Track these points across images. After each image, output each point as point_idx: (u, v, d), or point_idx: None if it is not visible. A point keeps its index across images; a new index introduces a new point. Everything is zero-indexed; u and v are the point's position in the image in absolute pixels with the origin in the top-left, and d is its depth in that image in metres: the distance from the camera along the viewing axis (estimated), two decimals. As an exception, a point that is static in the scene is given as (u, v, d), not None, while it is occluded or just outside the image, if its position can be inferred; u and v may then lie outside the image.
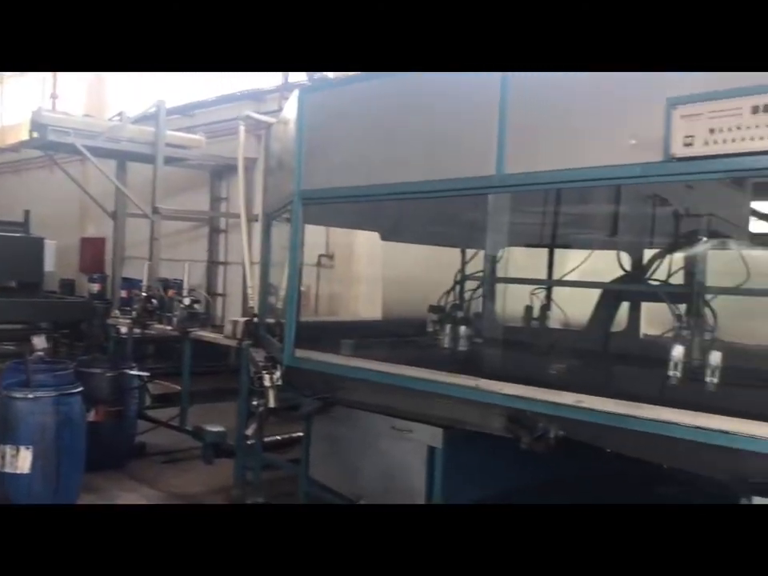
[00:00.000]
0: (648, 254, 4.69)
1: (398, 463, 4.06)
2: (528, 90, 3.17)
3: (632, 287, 4.38)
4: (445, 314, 4.90)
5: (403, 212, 4.76)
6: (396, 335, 5.31)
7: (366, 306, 7.53)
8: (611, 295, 4.37)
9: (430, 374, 3.67)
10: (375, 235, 5.98)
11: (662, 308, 4.68)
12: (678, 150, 2.65)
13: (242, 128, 5.56)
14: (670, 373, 3.11)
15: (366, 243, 7.56)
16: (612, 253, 5.03)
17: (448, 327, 4.37)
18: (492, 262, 4.05)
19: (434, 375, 3.65)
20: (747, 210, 4.42)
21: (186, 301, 6.66)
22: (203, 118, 11.77)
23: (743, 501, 2.74)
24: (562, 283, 5.02)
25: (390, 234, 5.59)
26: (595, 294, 4.74)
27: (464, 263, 5.14)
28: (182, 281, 7.81)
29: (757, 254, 4.26)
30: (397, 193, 3.75)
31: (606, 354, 4.18)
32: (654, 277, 4.28)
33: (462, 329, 4.24)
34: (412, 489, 3.99)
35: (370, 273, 7.23)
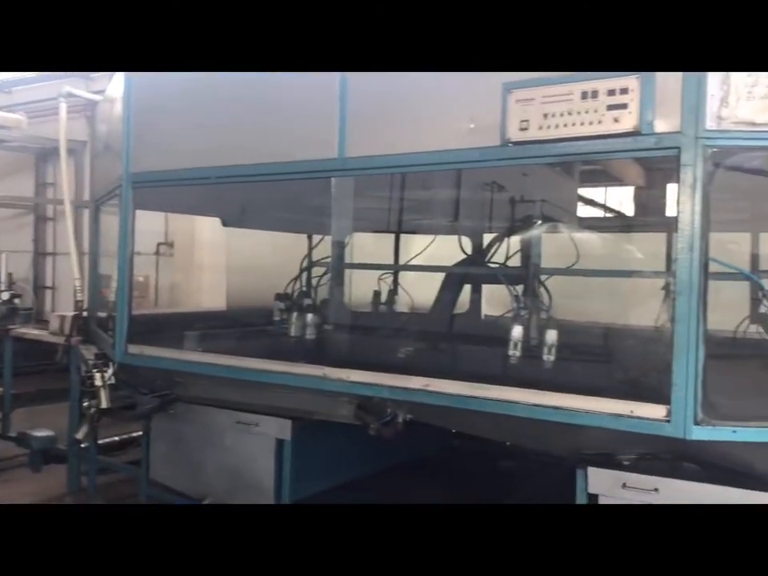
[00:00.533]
0: (487, 238, 4.87)
1: (245, 458, 3.96)
2: (368, 75, 3.12)
3: (473, 270, 4.50)
4: (292, 302, 4.81)
5: (246, 197, 4.60)
6: (241, 325, 5.17)
7: (210, 296, 7.28)
8: (454, 279, 4.47)
9: (276, 365, 3.56)
10: (218, 221, 5.76)
11: (501, 289, 4.89)
12: (514, 135, 2.70)
13: (62, 106, 5.12)
14: (510, 352, 3.21)
15: (208, 230, 7.28)
16: (454, 237, 5.18)
17: (295, 315, 4.27)
18: (338, 247, 4.00)
19: (280, 366, 3.55)
20: (575, 196, 4.70)
21: (5, 295, 6.09)
22: (24, 96, 10.84)
23: (579, 473, 2.87)
24: (408, 268, 5.08)
25: (232, 219, 5.40)
26: (440, 277, 4.85)
27: (311, 249, 5.06)
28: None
29: (585, 236, 4.53)
30: (235, 176, 3.59)
31: (450, 336, 4.28)
32: (494, 260, 4.44)
33: (310, 317, 4.16)
34: (260, 484, 3.91)
35: (214, 261, 6.97)
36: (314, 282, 4.96)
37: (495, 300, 5.49)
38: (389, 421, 3.28)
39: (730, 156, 2.42)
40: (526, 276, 3.85)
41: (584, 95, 2.53)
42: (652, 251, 5.12)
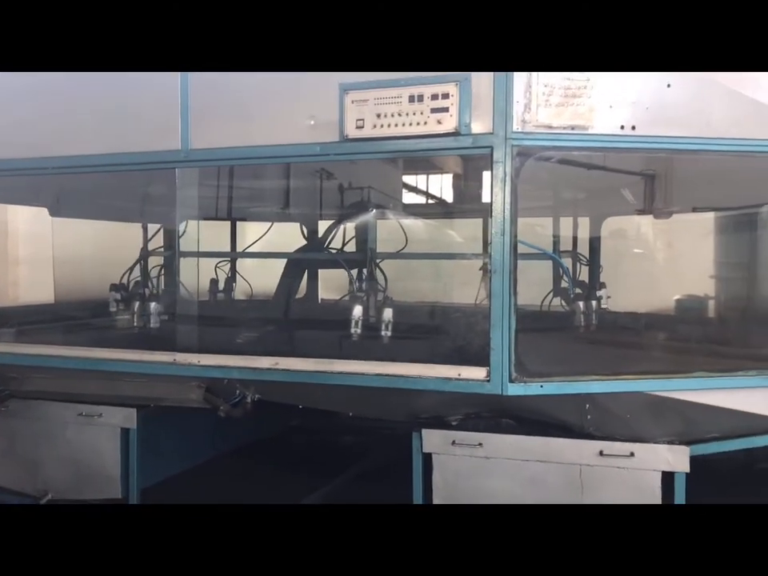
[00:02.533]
0: (322, 225, 5.12)
1: (89, 451, 3.91)
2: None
3: (313, 256, 4.74)
4: (129, 292, 4.77)
5: (75, 185, 4.49)
6: (75, 318, 5.03)
7: (33, 290, 6.90)
8: (295, 265, 4.68)
9: (125, 354, 3.59)
10: (43, 211, 5.51)
11: (337, 274, 5.17)
12: (351, 132, 2.98)
13: None
14: (352, 330, 3.51)
15: (27, 220, 6.89)
16: (289, 225, 5.38)
17: (136, 305, 4.27)
18: (174, 236, 4.05)
19: (126, 355, 3.58)
20: (400, 183, 5.06)
21: None
22: None
23: (414, 435, 3.21)
24: (247, 255, 5.21)
25: (60, 209, 5.20)
26: (278, 264, 5.04)
27: (146, 239, 5.04)
28: None
29: (412, 222, 4.92)
30: (72, 167, 3.56)
31: (293, 320, 4.49)
32: (332, 246, 4.70)
33: (153, 305, 4.19)
34: (106, 474, 3.89)
35: (36, 253, 6.62)
36: (154, 271, 4.95)
37: (332, 285, 5.79)
38: (237, 402, 3.45)
39: (533, 154, 2.86)
40: (363, 260, 4.16)
41: (411, 99, 2.87)
42: (471, 235, 5.65)
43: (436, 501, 3.23)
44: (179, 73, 3.26)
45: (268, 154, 3.19)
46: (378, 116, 2.91)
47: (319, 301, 6.00)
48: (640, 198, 4.03)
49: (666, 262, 5.11)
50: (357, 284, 4.04)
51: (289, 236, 5.42)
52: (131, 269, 4.93)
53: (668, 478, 3.09)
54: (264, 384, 3.37)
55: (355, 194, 4.68)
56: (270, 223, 5.18)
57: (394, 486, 3.69)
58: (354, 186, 4.63)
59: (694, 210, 4.59)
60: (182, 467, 4.45)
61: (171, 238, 5.04)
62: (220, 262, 5.47)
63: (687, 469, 3.03)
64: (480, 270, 5.16)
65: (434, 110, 2.83)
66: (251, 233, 5.59)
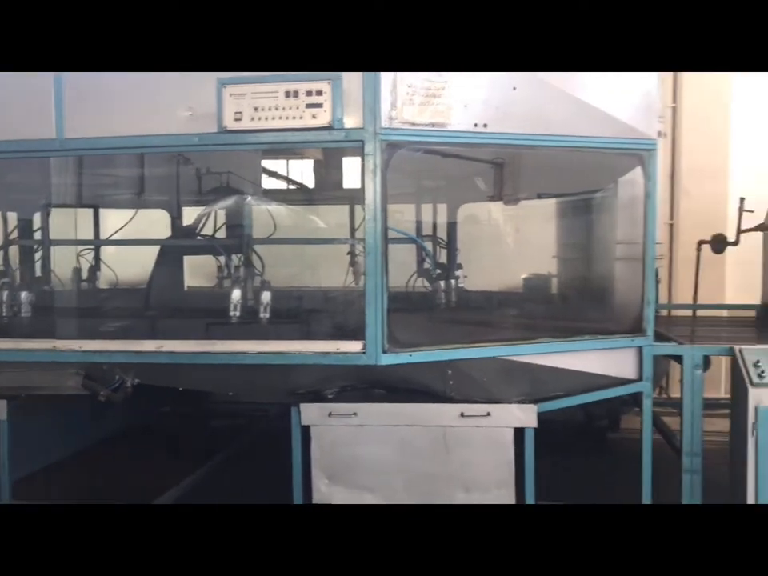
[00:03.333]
0: (187, 211, 5.16)
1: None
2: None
3: (185, 243, 4.80)
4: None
5: None
6: None
7: None
8: (167, 252, 4.73)
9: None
10: None
11: (201, 261, 5.24)
12: (229, 124, 3.14)
13: None
14: (231, 313, 3.67)
15: None
16: (154, 212, 5.38)
17: (5, 294, 4.17)
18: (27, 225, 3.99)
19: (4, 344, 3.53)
20: (260, 168, 5.18)
21: None
22: None
23: (293, 410, 3.43)
24: (116, 243, 5.16)
25: None
26: (144, 252, 5.05)
27: (6, 229, 4.89)
28: None
29: (280, 208, 5.10)
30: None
31: (170, 306, 4.54)
32: (202, 232, 4.79)
33: (24, 294, 4.11)
34: (-25, 469, 3.81)
35: None
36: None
37: (199, 272, 5.85)
38: (117, 387, 3.52)
39: (399, 148, 3.16)
40: (237, 246, 4.30)
41: (287, 94, 3.08)
42: (335, 221, 5.92)
43: (315, 471, 3.47)
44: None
45: (146, 144, 3.28)
46: (256, 109, 3.09)
47: (185, 288, 6.03)
48: (491, 185, 4.45)
49: (514, 244, 5.62)
50: (230, 270, 4.16)
51: (158, 224, 5.43)
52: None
53: (520, 433, 3.54)
54: (145, 368, 3.46)
55: (214, 179, 4.75)
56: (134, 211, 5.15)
57: (269, 462, 3.91)
58: (212, 171, 4.69)
59: (539, 196, 5.11)
60: (56, 457, 4.42)
61: (26, 228, 4.94)
62: (82, 250, 5.39)
63: (535, 424, 3.48)
64: (348, 254, 5.47)
65: (309, 105, 3.06)
66: (117, 220, 5.53)
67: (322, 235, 5.66)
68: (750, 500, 3.28)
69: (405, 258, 5.03)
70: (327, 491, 3.46)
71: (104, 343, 3.42)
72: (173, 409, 5.84)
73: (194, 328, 3.64)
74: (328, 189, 6.17)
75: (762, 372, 3.29)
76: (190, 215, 5.19)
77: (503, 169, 4.09)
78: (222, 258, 4.90)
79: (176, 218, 5.38)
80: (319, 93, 3.06)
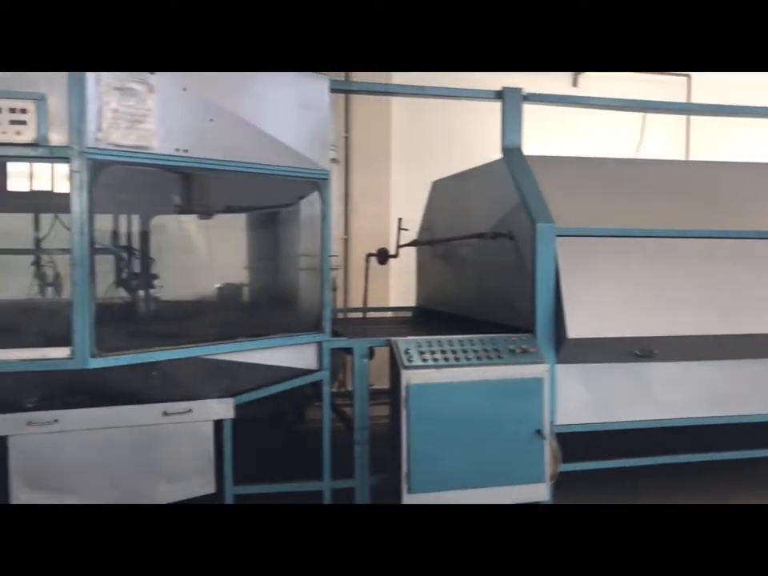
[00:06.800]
0: None
1: None
2: None
3: None
4: None
5: None
6: None
7: None
8: None
9: None
10: None
11: None
12: None
13: None
14: None
15: None
16: None
17: None
18: None
19: None
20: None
21: None
22: None
23: None
24: None
25: None
26: None
27: None
28: None
29: None
30: None
31: None
32: None
33: None
34: None
35: None
36: None
37: None
38: None
39: (107, 166, 3.40)
40: None
41: None
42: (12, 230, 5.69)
43: (14, 480, 3.49)
44: None
45: None
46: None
47: None
48: (183, 199, 4.77)
49: (208, 255, 6.01)
50: None
51: None
52: None
53: (220, 426, 3.97)
54: None
55: None
56: None
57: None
58: None
59: (229, 210, 5.57)
60: None
61: None
62: None
63: (232, 415, 3.94)
64: (32, 264, 5.36)
65: (12, 122, 3.17)
66: None
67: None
68: (405, 461, 4.09)
69: (103, 268, 5.11)
70: (27, 498, 3.50)
71: None
72: None
73: None
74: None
75: (411, 357, 4.15)
76: None
77: (194, 184, 4.48)
78: None
79: None
80: (23, 111, 3.18)
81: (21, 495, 3.49)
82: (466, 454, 4.10)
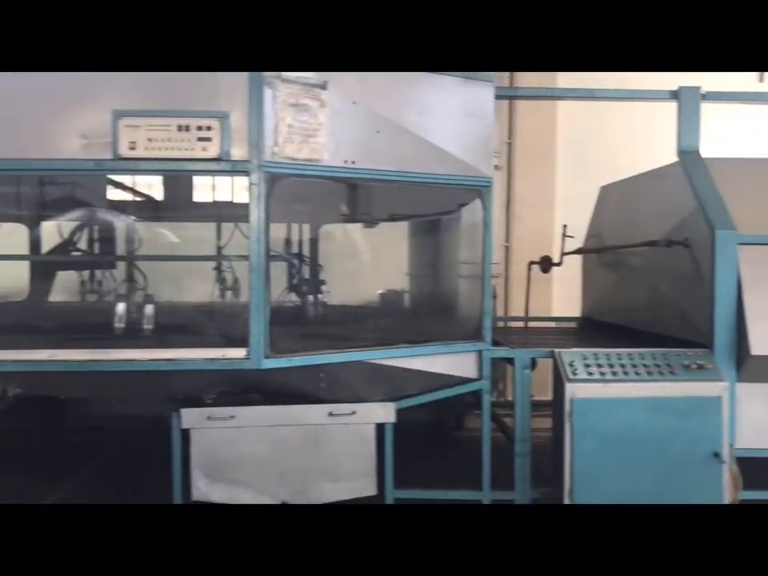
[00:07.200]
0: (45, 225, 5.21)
1: None
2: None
3: (60, 259, 4.91)
4: None
5: None
6: None
7: None
8: (43, 267, 4.81)
9: None
10: None
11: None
12: (124, 152, 3.44)
13: None
14: (116, 324, 3.92)
15: None
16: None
17: None
18: None
19: None
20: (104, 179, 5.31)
21: None
22: None
23: (173, 414, 3.70)
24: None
25: None
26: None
27: None
28: None
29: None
30: None
31: (51, 319, 4.63)
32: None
33: None
34: None
35: None
36: None
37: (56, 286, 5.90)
38: (1, 397, 3.64)
39: (281, 178, 3.61)
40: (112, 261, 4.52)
41: (180, 128, 3.44)
42: (192, 236, 6.17)
43: (194, 471, 3.77)
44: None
45: (45, 167, 3.51)
46: (150, 140, 3.42)
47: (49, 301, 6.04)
48: (350, 208, 4.96)
49: (372, 262, 6.19)
50: (94, 284, 4.34)
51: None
52: None
53: (381, 429, 4.05)
54: (29, 377, 3.61)
55: (57, 189, 4.84)
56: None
57: (144, 469, 4.10)
58: (56, 182, 4.76)
59: (392, 218, 5.70)
60: None
61: None
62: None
63: (394, 420, 4.02)
64: (214, 269, 5.77)
65: (199, 139, 3.44)
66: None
67: (182, 250, 5.92)
68: (567, 476, 3.97)
69: (276, 273, 5.42)
70: (206, 489, 3.77)
71: (-5, 352, 3.55)
72: (34, 425, 5.78)
73: (76, 339, 3.81)
74: (182, 204, 6.34)
75: (576, 370, 4.02)
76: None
77: (360, 194, 4.62)
78: (86, 273, 5.08)
79: (34, 231, 5.42)
80: (209, 128, 3.45)
81: (200, 485, 3.77)
82: (634, 472, 3.90)
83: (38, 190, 4.83)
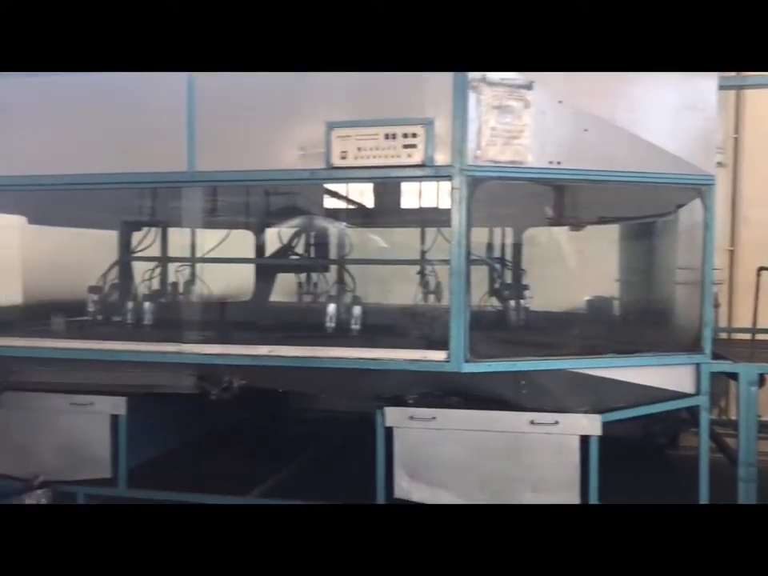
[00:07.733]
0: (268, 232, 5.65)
1: (80, 436, 4.30)
2: (213, 97, 3.85)
3: (281, 262, 5.32)
4: (103, 294, 5.21)
5: (55, 195, 4.89)
6: (47, 316, 5.34)
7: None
8: (265, 269, 5.24)
9: (131, 345, 4.08)
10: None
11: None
12: (336, 161, 3.65)
13: None
14: (327, 324, 4.16)
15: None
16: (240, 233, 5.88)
17: (130, 304, 4.74)
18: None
19: (131, 346, 4.08)
20: (322, 188, 5.60)
21: None
22: None
23: (378, 412, 3.83)
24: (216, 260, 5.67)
25: (40, 218, 5.56)
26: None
27: (124, 245, 5.48)
28: None
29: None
30: (86, 183, 4.06)
31: (269, 317, 5.04)
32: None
33: (147, 304, 4.67)
34: (97, 457, 4.28)
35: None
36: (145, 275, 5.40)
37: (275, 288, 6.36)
38: (226, 387, 4.01)
39: (483, 182, 3.61)
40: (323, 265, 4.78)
41: (386, 136, 3.58)
42: (398, 241, 6.34)
43: (397, 469, 3.86)
44: (186, 106, 3.82)
45: (265, 177, 3.83)
46: (359, 149, 3.60)
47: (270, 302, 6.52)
48: (555, 210, 4.82)
49: (579, 267, 5.96)
50: (310, 286, 4.60)
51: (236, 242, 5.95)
52: (107, 272, 5.36)
53: (585, 441, 3.88)
54: (251, 370, 3.94)
55: (280, 199, 5.21)
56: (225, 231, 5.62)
57: (349, 463, 4.26)
58: (279, 192, 5.12)
59: (601, 221, 5.45)
60: (161, 450, 4.90)
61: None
62: (181, 266, 5.94)
63: (599, 432, 3.82)
64: (417, 273, 5.89)
65: (405, 146, 3.55)
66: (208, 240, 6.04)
67: (387, 255, 6.10)
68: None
69: (477, 277, 5.42)
70: (408, 487, 3.85)
71: (223, 347, 3.94)
72: (253, 416, 6.28)
73: (292, 337, 4.07)
74: (388, 209, 6.55)
75: (814, 390, 3.57)
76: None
77: (566, 195, 4.47)
78: (303, 276, 5.42)
79: (259, 237, 5.90)
80: (414, 135, 3.55)
81: (403, 483, 3.86)
82: None
83: (263, 200, 5.27)
